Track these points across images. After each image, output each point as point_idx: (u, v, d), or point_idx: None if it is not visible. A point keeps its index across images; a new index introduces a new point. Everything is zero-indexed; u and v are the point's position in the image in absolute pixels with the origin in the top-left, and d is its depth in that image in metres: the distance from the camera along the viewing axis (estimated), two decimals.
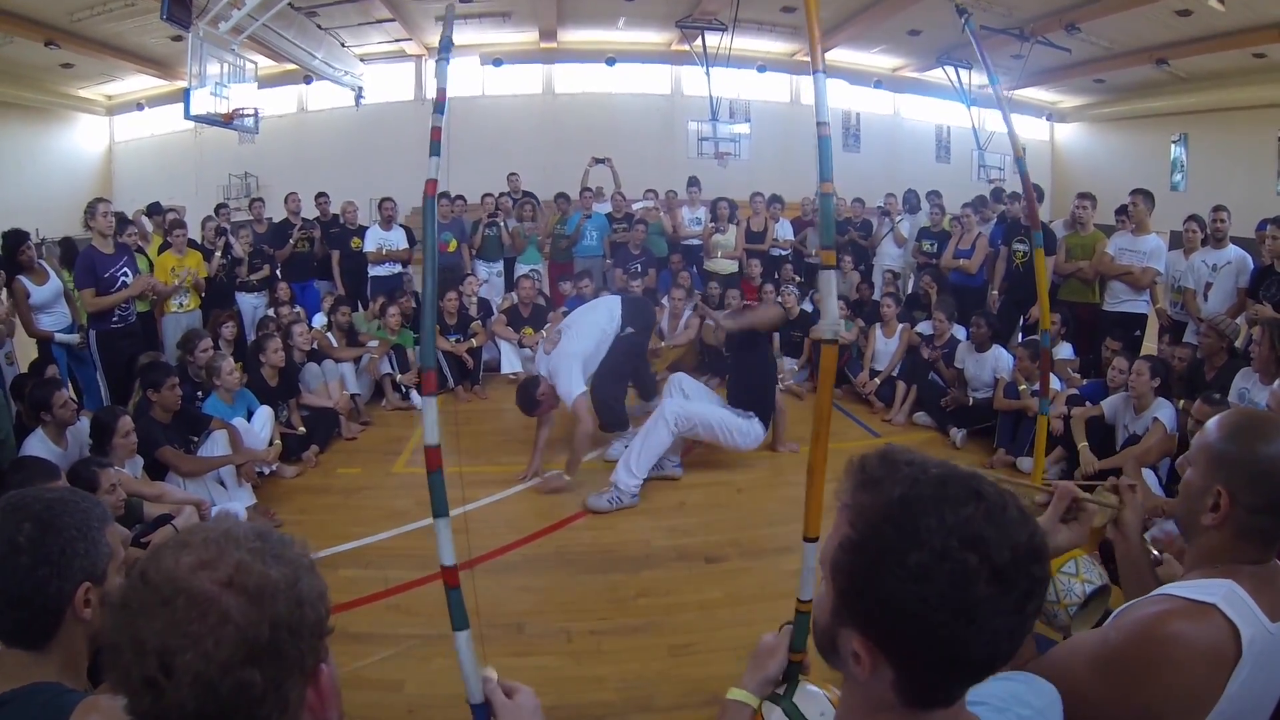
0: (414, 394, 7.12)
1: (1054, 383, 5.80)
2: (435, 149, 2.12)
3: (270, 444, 5.45)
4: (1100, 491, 1.88)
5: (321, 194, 9.11)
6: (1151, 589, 1.76)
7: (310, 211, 9.02)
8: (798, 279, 9.00)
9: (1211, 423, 1.54)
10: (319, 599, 0.84)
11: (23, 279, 5.47)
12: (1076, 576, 1.72)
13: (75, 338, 5.67)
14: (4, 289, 5.47)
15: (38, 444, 4.11)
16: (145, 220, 8.48)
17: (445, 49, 2.38)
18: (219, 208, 9.25)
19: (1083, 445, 5.02)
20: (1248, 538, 1.45)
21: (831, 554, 0.93)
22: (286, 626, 0.79)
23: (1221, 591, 1.38)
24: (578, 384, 5.30)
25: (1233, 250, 5.98)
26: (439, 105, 2.23)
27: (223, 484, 4.89)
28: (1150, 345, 6.65)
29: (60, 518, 1.42)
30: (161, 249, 7.11)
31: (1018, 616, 0.85)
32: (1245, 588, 1.39)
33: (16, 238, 5.56)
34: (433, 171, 2.09)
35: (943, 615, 0.83)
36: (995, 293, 7.34)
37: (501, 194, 9.84)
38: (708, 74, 13.70)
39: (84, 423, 4.39)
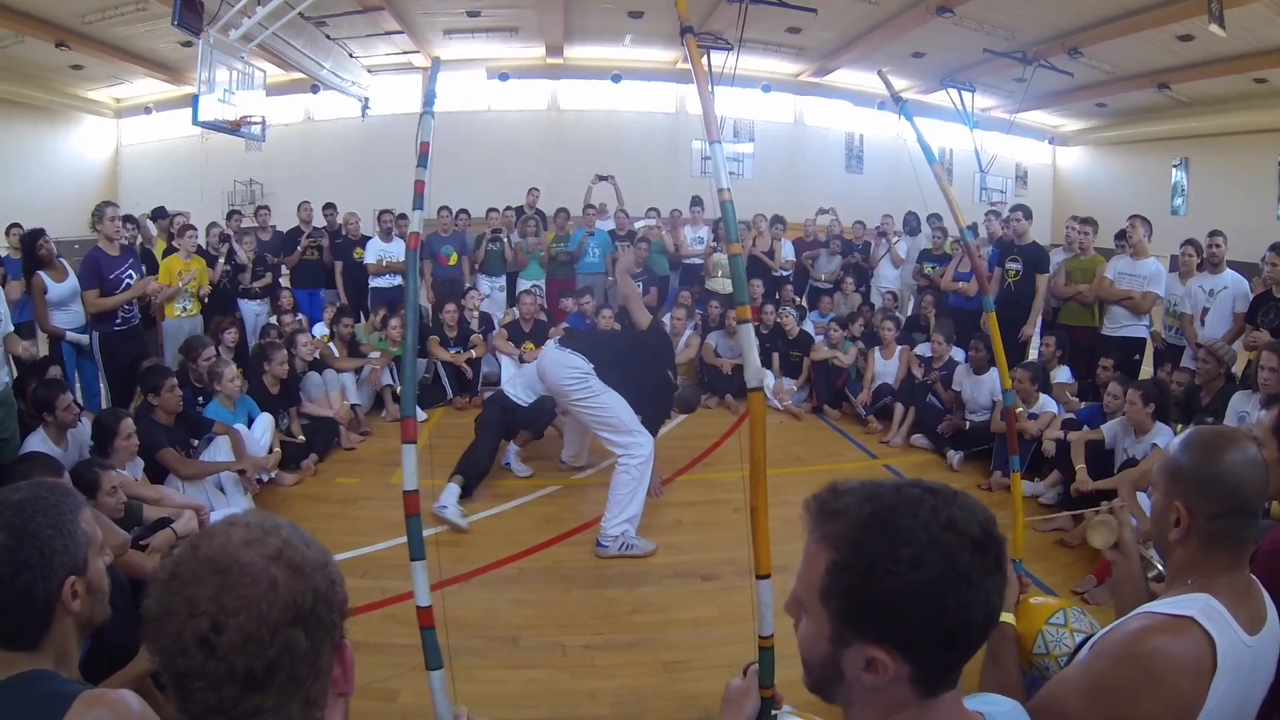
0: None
1: (1050, 405, 5.83)
2: (423, 160, 2.20)
3: (270, 451, 5.48)
4: (1102, 515, 1.93)
5: (329, 205, 9.16)
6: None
7: (319, 221, 9.08)
8: (798, 300, 9.02)
9: (1171, 442, 1.61)
10: (342, 581, 0.94)
11: (42, 274, 5.55)
12: (1065, 628, 1.73)
13: (86, 338, 5.74)
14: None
15: (38, 443, 4.11)
16: (150, 224, 8.52)
17: (429, 103, 2.40)
18: (231, 214, 9.29)
19: (1080, 467, 5.03)
20: (1215, 545, 1.49)
21: (820, 583, 0.99)
22: (324, 598, 0.89)
23: (1198, 605, 1.42)
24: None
25: (1229, 275, 6.01)
26: (422, 158, 2.29)
27: (221, 490, 4.91)
28: (1149, 370, 6.68)
29: (33, 520, 1.41)
30: (167, 252, 7.15)
31: (999, 573, 0.97)
32: (1222, 601, 1.43)
33: (33, 234, 5.77)
34: (421, 173, 2.14)
35: (946, 588, 0.93)
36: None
37: (509, 207, 9.89)
38: (712, 93, 13.73)
39: (85, 424, 4.40)
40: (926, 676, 0.98)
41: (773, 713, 1.59)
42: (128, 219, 7.34)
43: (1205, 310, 6.00)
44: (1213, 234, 6.17)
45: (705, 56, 13.33)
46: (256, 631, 0.82)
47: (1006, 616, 1.74)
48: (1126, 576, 1.85)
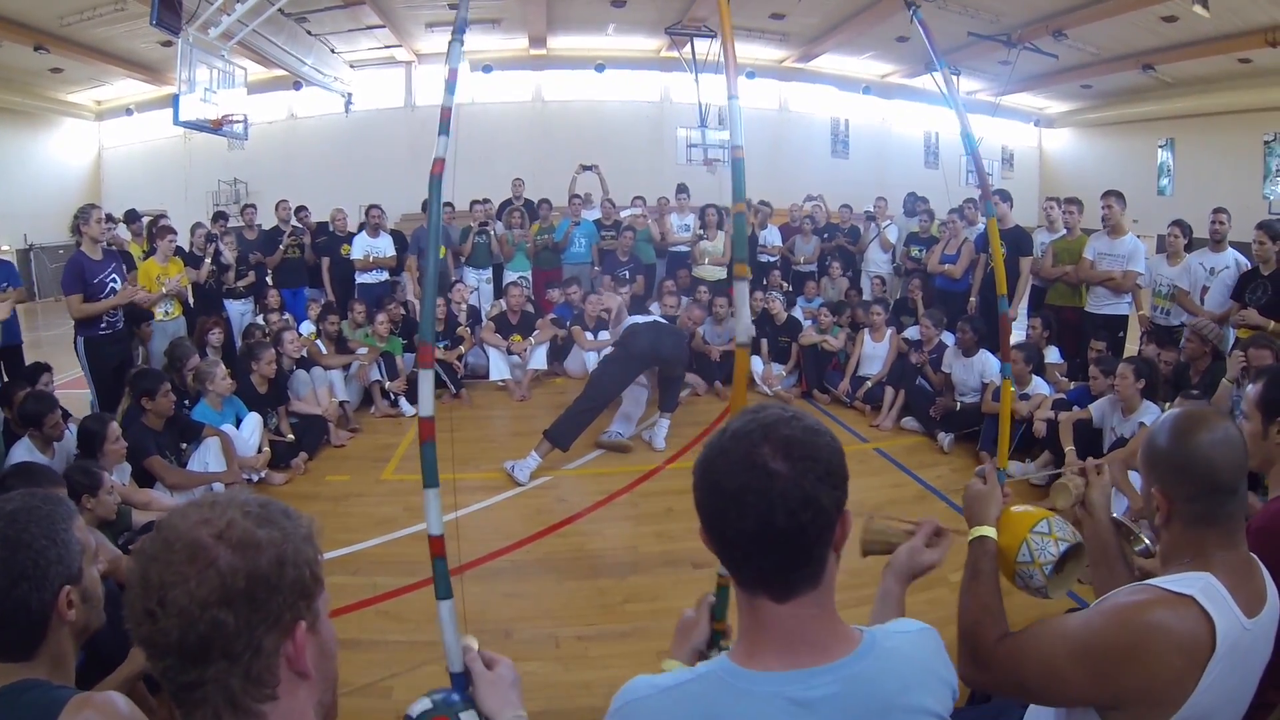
0: (403, 401, 7.12)
1: (1043, 387, 5.85)
2: (444, 128, 2.15)
3: (259, 451, 5.46)
4: (1067, 475, 1.93)
5: (301, 207, 9.06)
6: (1118, 568, 1.82)
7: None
8: (785, 285, 9.02)
9: (1152, 426, 1.62)
10: (305, 563, 0.93)
11: None
12: (1049, 535, 1.72)
13: None
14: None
15: (24, 453, 4.09)
16: (122, 228, 8.43)
17: (460, 30, 2.40)
18: (217, 216, 9.23)
19: (1069, 449, 5.05)
20: (1199, 524, 1.50)
21: None
22: (265, 581, 0.88)
23: (1200, 584, 1.42)
24: None
25: (1231, 254, 5.96)
26: (450, 85, 2.25)
27: (211, 490, 4.89)
28: (1132, 347, 6.69)
29: (27, 531, 1.40)
30: (147, 255, 7.08)
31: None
32: (1223, 581, 1.43)
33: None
34: (441, 150, 2.11)
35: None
36: (974, 299, 7.39)
37: (487, 199, 9.85)
38: (696, 81, 13.70)
39: (70, 432, 4.37)
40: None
41: (720, 644, 1.61)
42: (108, 218, 7.27)
43: (1205, 289, 5.97)
44: (1216, 211, 6.10)
45: (689, 44, 13.32)
46: (188, 607, 0.85)
47: (988, 530, 1.73)
48: (1093, 536, 1.85)
